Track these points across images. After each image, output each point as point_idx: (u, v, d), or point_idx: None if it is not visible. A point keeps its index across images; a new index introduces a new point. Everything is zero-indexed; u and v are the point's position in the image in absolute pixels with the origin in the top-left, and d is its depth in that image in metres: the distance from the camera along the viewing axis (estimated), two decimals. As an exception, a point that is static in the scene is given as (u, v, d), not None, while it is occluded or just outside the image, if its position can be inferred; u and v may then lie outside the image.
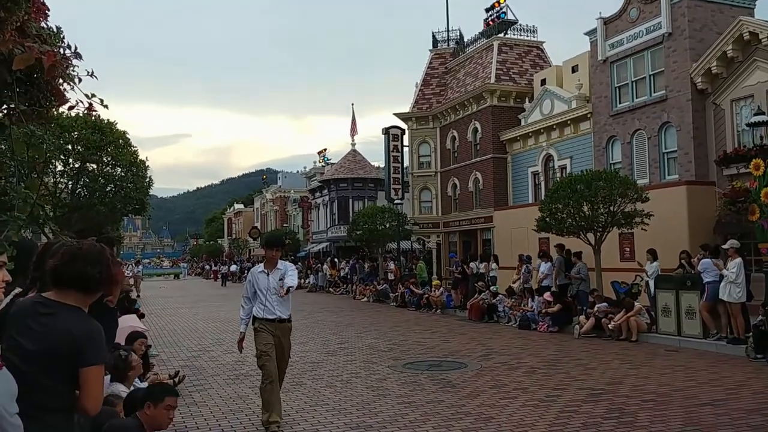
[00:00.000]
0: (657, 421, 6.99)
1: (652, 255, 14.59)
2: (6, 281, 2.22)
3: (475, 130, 28.26)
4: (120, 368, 5.30)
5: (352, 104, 56.37)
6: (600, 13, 22.04)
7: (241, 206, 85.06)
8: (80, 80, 2.16)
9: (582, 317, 14.64)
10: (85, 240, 2.86)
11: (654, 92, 19.92)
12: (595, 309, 14.35)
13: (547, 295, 15.84)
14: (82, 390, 2.56)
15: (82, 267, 2.61)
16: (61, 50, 2.10)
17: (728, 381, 9.09)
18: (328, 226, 45.68)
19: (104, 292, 2.88)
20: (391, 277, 26.78)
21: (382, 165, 36.55)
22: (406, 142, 32.04)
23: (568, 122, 23.64)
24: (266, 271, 6.91)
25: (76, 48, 2.09)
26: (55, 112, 2.31)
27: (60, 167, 20.13)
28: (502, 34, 29.42)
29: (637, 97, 20.61)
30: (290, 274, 6.92)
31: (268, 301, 6.80)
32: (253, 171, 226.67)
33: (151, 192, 23.86)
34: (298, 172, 69.80)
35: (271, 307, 6.80)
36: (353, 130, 47.31)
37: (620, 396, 8.20)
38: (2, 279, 2.16)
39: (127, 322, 8.34)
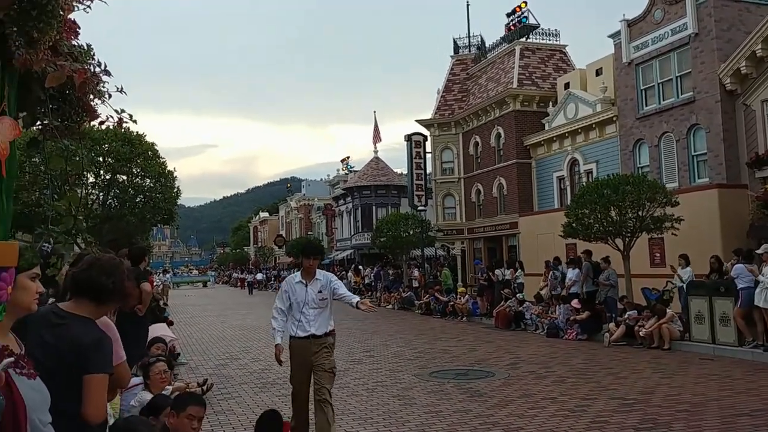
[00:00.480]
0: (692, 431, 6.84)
1: (685, 260, 14.33)
2: (40, 292, 2.27)
3: (498, 136, 28.11)
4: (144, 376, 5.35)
5: (374, 112, 56.62)
6: (624, 15, 21.81)
7: (266, 214, 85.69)
8: (110, 96, 2.19)
9: (612, 325, 14.42)
10: (107, 253, 2.93)
11: (681, 94, 19.62)
12: (626, 316, 14.13)
13: (575, 303, 15.64)
14: (83, 397, 2.61)
15: (96, 275, 2.68)
16: (92, 67, 2.12)
17: (766, 390, 8.85)
18: (352, 233, 45.76)
19: (118, 304, 2.94)
20: (415, 284, 26.71)
21: (405, 172, 36.54)
22: (428, 148, 31.99)
23: (594, 126, 23.39)
24: (304, 281, 6.23)
25: (105, 66, 2.12)
26: (87, 126, 2.34)
27: (92, 179, 20.49)
28: (523, 39, 29.25)
29: (663, 100, 20.31)
30: (335, 284, 6.32)
31: (303, 316, 6.12)
32: (278, 179, 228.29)
33: (179, 202, 24.12)
34: (321, 180, 70.13)
35: (306, 323, 6.11)
36: (376, 137, 47.40)
37: (653, 406, 8.03)
38: (36, 290, 2.20)
39: (158, 331, 8.44)
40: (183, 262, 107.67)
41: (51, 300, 3.36)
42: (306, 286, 6.20)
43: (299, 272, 6.40)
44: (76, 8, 1.98)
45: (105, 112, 2.33)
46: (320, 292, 6.18)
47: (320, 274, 6.34)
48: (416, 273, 27.60)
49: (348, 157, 60.09)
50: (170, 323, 12.20)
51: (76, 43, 2.15)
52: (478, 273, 23.83)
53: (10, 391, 1.96)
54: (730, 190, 16.84)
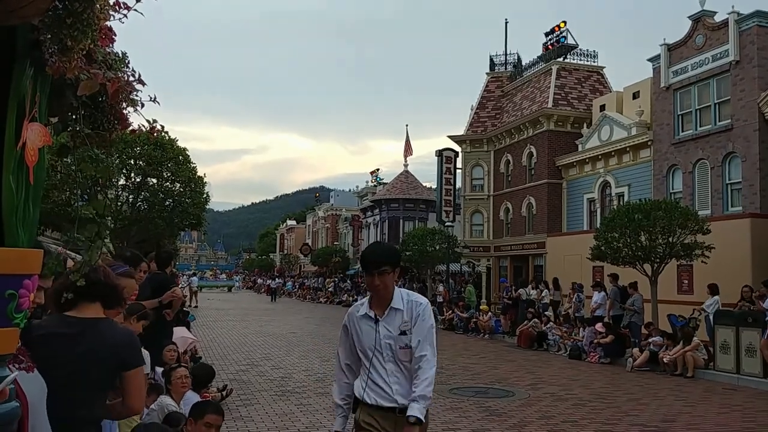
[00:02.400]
0: (714, 465, 6.68)
1: (712, 290, 14.07)
2: (38, 303, 2.28)
3: (531, 155, 27.93)
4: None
5: (407, 125, 56.58)
6: (664, 39, 21.60)
7: (294, 222, 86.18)
8: (143, 105, 2.22)
9: (636, 350, 14.18)
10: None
11: (719, 121, 19.31)
12: (650, 341, 13.90)
13: (599, 326, 15.43)
14: (127, 393, 2.72)
15: (105, 279, 2.76)
16: (126, 76, 2.16)
17: (792, 426, 8.62)
18: (379, 245, 45.73)
19: (119, 306, 2.99)
20: (440, 299, 26.58)
21: (434, 186, 36.48)
22: (459, 164, 31.91)
23: (627, 149, 23.11)
24: (373, 314, 3.59)
25: (140, 75, 2.15)
26: (118, 135, 2.38)
27: (122, 181, 20.84)
28: (561, 59, 29.10)
29: (700, 126, 20.01)
30: (423, 321, 3.56)
31: (378, 372, 3.54)
32: (307, 188, 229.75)
33: (208, 206, 24.39)
34: (350, 191, 70.40)
35: (384, 383, 3.51)
36: (407, 150, 47.46)
37: (674, 436, 7.87)
38: (34, 300, 2.21)
39: (179, 334, 8.52)
40: (209, 265, 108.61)
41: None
42: (376, 323, 3.56)
43: (367, 298, 3.73)
44: (112, 18, 2.00)
45: (137, 120, 2.37)
46: (403, 334, 3.53)
47: (402, 298, 3.61)
48: (441, 288, 27.46)
49: (378, 169, 60.27)
50: (186, 324, 12.28)
51: (110, 51, 2.18)
52: (502, 291, 23.64)
53: (15, 390, 1.99)
54: (763, 220, 16.50)
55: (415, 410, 3.33)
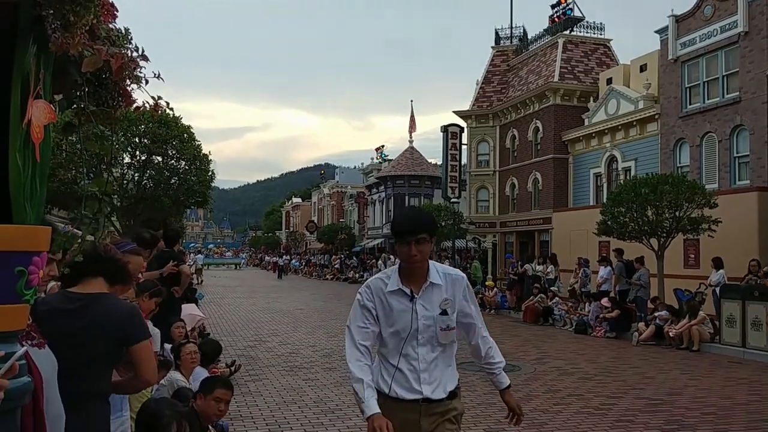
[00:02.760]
0: (718, 437, 6.73)
1: (716, 264, 14.05)
2: (51, 275, 2.30)
3: (537, 130, 27.78)
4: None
5: (411, 101, 56.24)
6: (672, 10, 21.29)
7: (299, 200, 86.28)
8: (147, 82, 2.21)
9: (641, 324, 14.23)
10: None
11: (727, 94, 19.13)
12: (656, 315, 13.94)
13: (604, 301, 15.46)
14: (139, 365, 2.78)
15: (106, 256, 2.80)
16: (129, 52, 2.15)
17: (797, 398, 8.66)
18: (384, 222, 45.82)
19: (126, 283, 3.02)
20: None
21: (439, 162, 36.39)
22: (464, 140, 31.77)
23: (634, 123, 22.95)
24: (407, 289, 3.06)
25: (143, 50, 2.14)
26: (122, 112, 2.37)
27: (127, 159, 20.83)
28: (567, 32, 28.78)
29: (708, 99, 19.83)
30: (470, 297, 3.21)
31: (407, 360, 3.05)
32: (312, 165, 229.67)
33: (213, 184, 24.40)
34: (355, 167, 70.28)
35: (412, 372, 3.05)
36: (412, 126, 47.26)
37: (679, 407, 7.92)
38: (48, 273, 2.23)
39: (188, 311, 8.59)
40: (215, 243, 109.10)
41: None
42: (412, 299, 3.04)
43: (393, 269, 3.15)
44: (114, -7, 1.99)
45: (141, 97, 2.36)
46: (444, 313, 3.05)
47: (438, 272, 3.13)
48: (447, 264, 27.51)
49: (383, 146, 60.10)
50: (195, 301, 12.38)
51: (113, 26, 2.16)
52: (508, 267, 23.68)
53: (27, 365, 2.02)
54: (771, 194, 16.42)
55: (506, 377, 3.42)
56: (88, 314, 2.65)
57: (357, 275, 38.42)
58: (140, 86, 2.26)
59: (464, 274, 3.26)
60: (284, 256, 55.70)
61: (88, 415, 2.62)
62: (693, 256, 17.01)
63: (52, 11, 1.74)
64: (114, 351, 2.72)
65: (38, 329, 2.22)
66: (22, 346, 1.92)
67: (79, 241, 2.24)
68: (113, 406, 3.26)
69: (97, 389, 2.69)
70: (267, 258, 66.32)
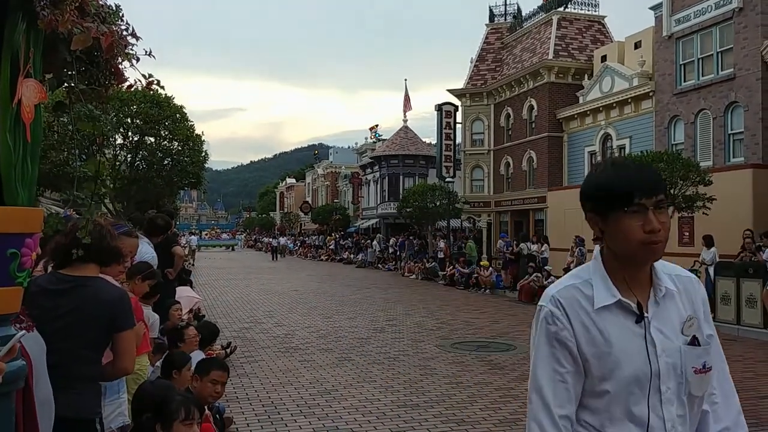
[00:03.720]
0: (713, 413, 6.78)
1: (707, 242, 14.10)
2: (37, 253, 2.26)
3: (531, 108, 27.70)
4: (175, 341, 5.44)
5: (405, 80, 55.97)
6: (666, -14, 21.14)
7: (293, 181, 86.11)
8: (138, 60, 2.16)
9: (636, 302, 14.29)
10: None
11: (721, 70, 19.07)
12: (651, 294, 14.00)
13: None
14: (118, 353, 2.76)
15: (98, 239, 2.72)
16: (119, 30, 2.09)
17: (791, 374, 8.75)
18: (378, 202, 45.79)
19: (118, 265, 3.00)
20: (440, 255, 26.71)
21: (434, 142, 36.29)
22: (459, 118, 31.67)
23: (629, 100, 22.90)
24: (635, 303, 1.70)
25: (133, 29, 2.08)
26: (114, 90, 2.32)
27: (120, 140, 20.68)
28: (561, 8, 28.58)
29: (702, 76, 19.77)
30: (708, 311, 1.84)
31: (653, 427, 1.65)
32: (306, 146, 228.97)
33: (207, 165, 24.29)
34: (349, 147, 70.09)
35: None
36: (406, 106, 47.03)
37: (675, 385, 7.98)
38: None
39: (184, 293, 8.57)
40: (209, 224, 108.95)
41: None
42: (641, 318, 1.70)
43: (588, 267, 1.83)
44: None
45: (133, 75, 2.31)
46: (694, 343, 1.73)
47: (666, 272, 1.79)
48: (442, 244, 27.59)
49: (377, 126, 59.87)
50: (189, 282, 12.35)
51: (103, 3, 2.11)
52: (503, 246, 23.76)
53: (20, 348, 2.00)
54: (764, 171, 16.46)
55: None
56: (77, 297, 2.63)
57: (351, 255, 38.51)
58: (132, 64, 2.21)
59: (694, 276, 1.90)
60: (281, 238, 55.57)
61: (78, 398, 2.61)
62: (687, 233, 17.05)
63: (40, -13, 1.69)
64: (102, 335, 2.70)
65: (26, 312, 2.19)
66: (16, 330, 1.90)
67: (85, 222, 2.22)
68: (110, 388, 3.25)
69: (86, 372, 2.68)
70: (265, 239, 65.94)
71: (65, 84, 2.18)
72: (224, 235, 79.29)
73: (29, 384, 2.02)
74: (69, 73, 2.11)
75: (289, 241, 56.29)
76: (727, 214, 15.17)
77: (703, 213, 14.68)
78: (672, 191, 14.73)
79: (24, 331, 1.87)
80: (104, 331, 2.69)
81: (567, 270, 17.84)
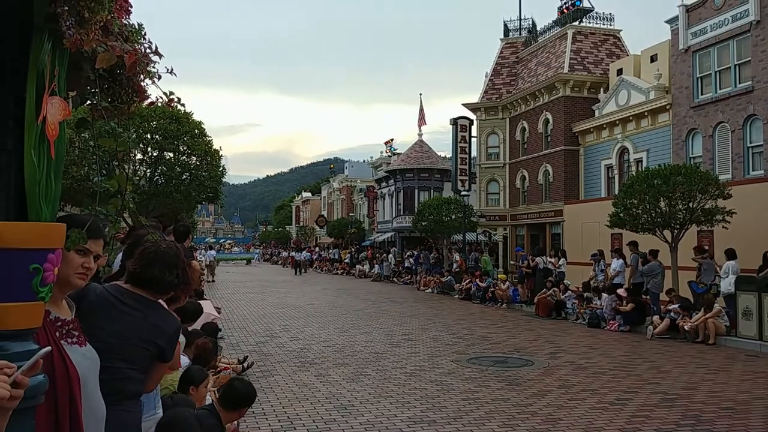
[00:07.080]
0: (736, 430, 6.66)
1: (729, 255, 13.92)
2: (87, 267, 2.24)
3: (547, 121, 27.63)
4: (201, 357, 5.46)
5: (420, 94, 56.23)
6: (682, 0, 21.08)
7: (309, 195, 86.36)
8: (160, 77, 2.19)
9: (656, 317, 14.12)
10: (162, 240, 2.94)
11: (739, 83, 18.93)
12: (670, 309, 13.82)
13: (621, 291, 15.35)
14: (150, 378, 2.80)
15: (159, 273, 2.70)
16: (142, 48, 2.13)
17: (815, 391, 8.57)
18: (394, 216, 45.77)
19: (181, 294, 3.01)
20: (456, 268, 26.60)
21: (449, 155, 36.27)
22: (474, 132, 31.67)
23: (646, 114, 22.77)
24: None
25: (156, 47, 2.12)
26: (136, 107, 2.35)
27: (139, 155, 20.92)
28: (576, 22, 28.58)
29: (720, 89, 19.63)
30: None
31: None
32: (321, 160, 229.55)
33: (224, 179, 24.47)
34: (364, 161, 70.21)
35: None
36: (421, 120, 47.12)
37: (696, 402, 7.85)
38: (82, 264, 2.18)
39: (205, 308, 8.58)
40: (226, 238, 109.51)
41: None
42: None
43: None
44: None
45: (155, 92, 2.34)
46: None
47: None
48: (457, 257, 27.48)
49: (392, 140, 59.98)
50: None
51: (127, 22, 2.15)
52: (519, 260, 23.61)
53: (64, 364, 2.00)
54: (786, 184, 16.22)
55: None
56: (140, 319, 2.63)
57: (367, 269, 38.44)
58: (154, 82, 2.24)
59: None
60: (304, 252, 52.43)
61: (127, 415, 2.61)
62: (707, 247, 16.83)
63: (66, 8, 1.72)
64: (151, 361, 2.71)
65: (81, 325, 2.20)
66: (49, 345, 1.90)
67: (110, 240, 2.23)
68: (147, 405, 3.26)
69: (135, 390, 2.67)
70: (284, 253, 64.69)
71: (88, 101, 2.21)
72: (235, 249, 79.28)
73: (76, 401, 2.01)
74: (92, 90, 2.14)
75: (308, 255, 55.85)
76: (747, 228, 14.97)
77: (723, 227, 14.51)
78: (691, 205, 14.60)
79: (48, 348, 1.87)
80: (153, 358, 2.71)
81: (588, 284, 17.73)
